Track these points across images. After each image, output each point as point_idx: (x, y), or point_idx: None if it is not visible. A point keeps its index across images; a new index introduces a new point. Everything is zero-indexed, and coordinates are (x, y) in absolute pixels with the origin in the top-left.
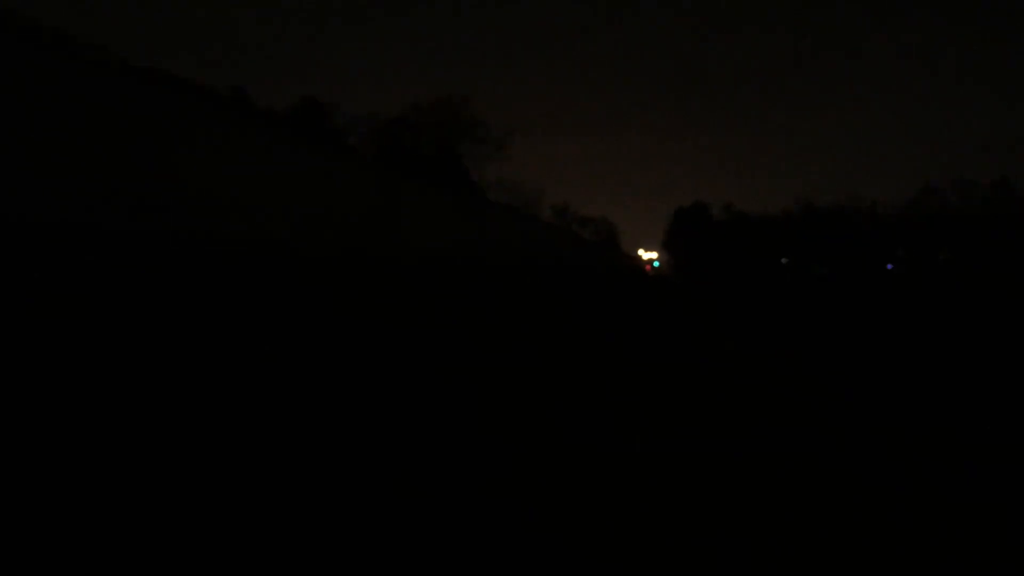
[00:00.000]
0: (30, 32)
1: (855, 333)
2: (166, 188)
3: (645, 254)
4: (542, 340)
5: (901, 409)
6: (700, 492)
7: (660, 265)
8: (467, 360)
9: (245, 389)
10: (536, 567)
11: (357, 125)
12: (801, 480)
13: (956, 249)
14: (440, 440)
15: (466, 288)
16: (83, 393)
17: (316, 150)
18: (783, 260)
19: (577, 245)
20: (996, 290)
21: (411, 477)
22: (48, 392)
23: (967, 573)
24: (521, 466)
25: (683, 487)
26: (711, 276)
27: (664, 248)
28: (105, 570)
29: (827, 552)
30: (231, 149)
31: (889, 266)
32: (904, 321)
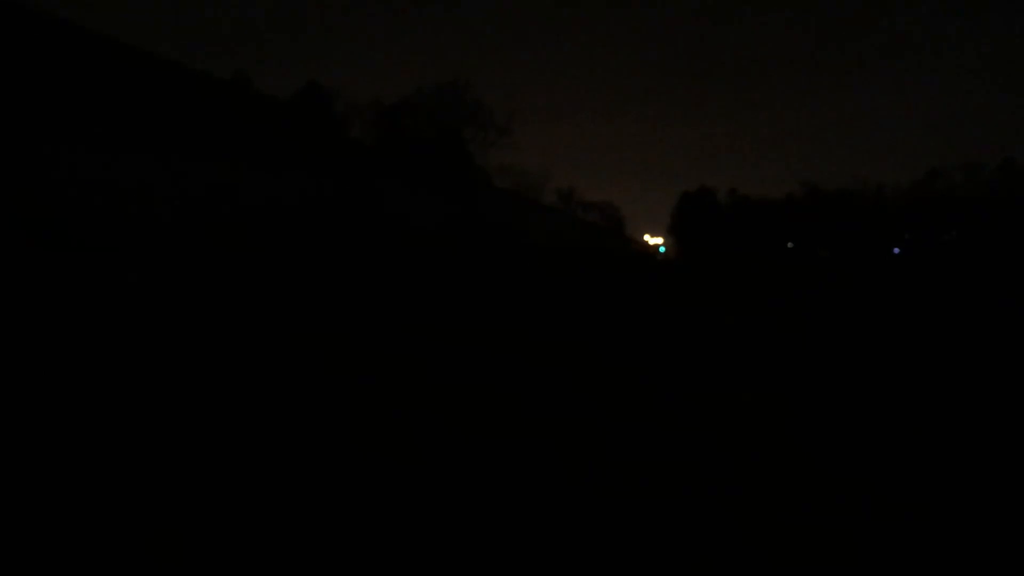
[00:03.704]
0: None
1: (864, 323)
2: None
3: (651, 239)
4: (546, 330)
5: (909, 409)
6: (702, 495)
7: (666, 250)
8: (467, 351)
9: (241, 381)
10: (534, 565)
11: (360, 111)
12: (803, 482)
13: (963, 232)
14: (436, 431)
15: (467, 273)
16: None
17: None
18: (789, 244)
19: (581, 230)
20: (1004, 273)
21: (409, 468)
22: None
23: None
24: (525, 460)
25: (686, 491)
26: (717, 261)
27: (670, 233)
28: (105, 569)
29: (828, 552)
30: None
31: (896, 250)
32: (914, 309)
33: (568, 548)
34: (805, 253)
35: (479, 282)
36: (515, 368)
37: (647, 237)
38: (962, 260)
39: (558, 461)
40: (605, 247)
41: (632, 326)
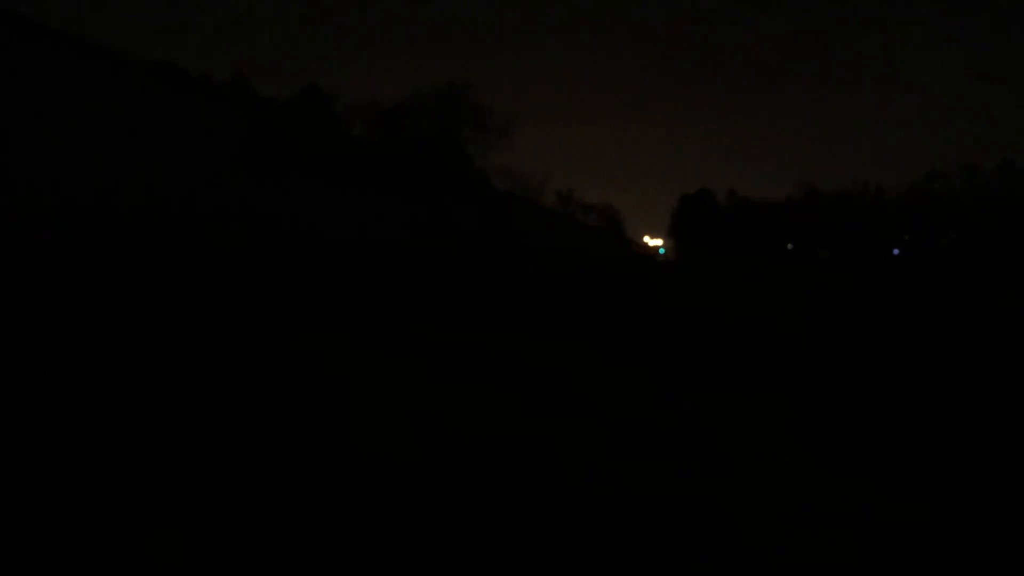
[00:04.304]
0: (29, 27)
1: (864, 324)
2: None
3: (651, 241)
4: (546, 330)
5: (909, 410)
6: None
7: (666, 252)
8: (467, 351)
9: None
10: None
11: (359, 113)
12: (803, 482)
13: (962, 233)
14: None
15: (469, 274)
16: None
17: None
18: (789, 246)
19: (581, 231)
20: (1004, 274)
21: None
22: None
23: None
24: (525, 459)
25: (686, 491)
26: (717, 263)
27: (670, 235)
28: (105, 570)
29: (828, 552)
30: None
31: (895, 251)
32: (913, 310)
33: (568, 548)
34: (805, 255)
35: (481, 283)
36: (516, 368)
37: (647, 239)
38: (962, 261)
39: (558, 460)
40: (605, 248)
41: (632, 326)
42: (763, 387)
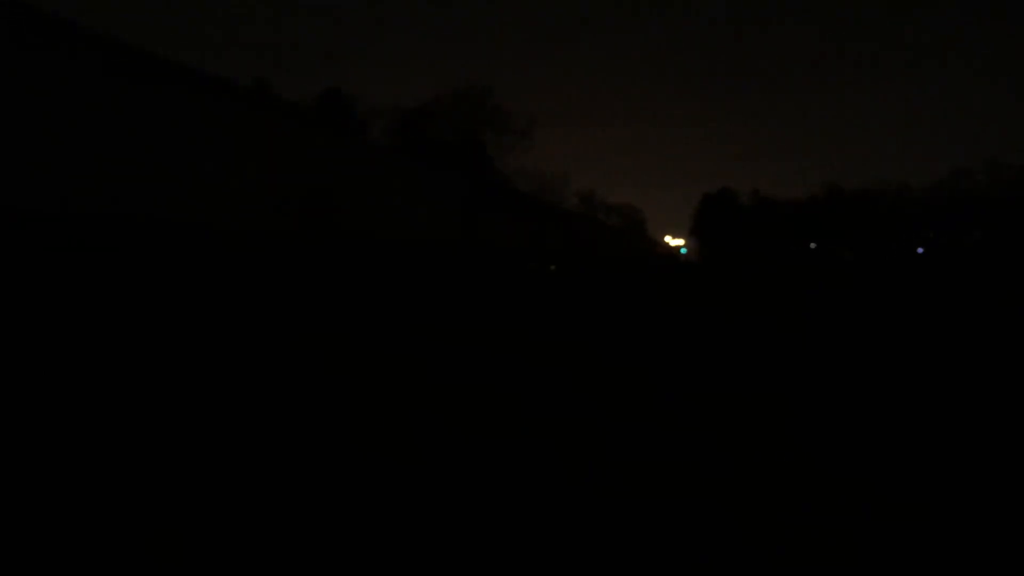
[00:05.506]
0: (54, 26)
1: (889, 325)
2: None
3: (672, 241)
4: (566, 330)
5: (932, 415)
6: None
7: (687, 251)
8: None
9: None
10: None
11: (380, 116)
12: (807, 484)
13: (988, 231)
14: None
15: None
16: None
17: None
18: (812, 245)
19: (602, 232)
20: None
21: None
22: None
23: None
24: (537, 466)
25: (690, 491)
26: (739, 262)
27: (692, 235)
28: (104, 569)
29: (828, 552)
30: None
31: (920, 250)
32: (939, 309)
33: (567, 548)
34: (828, 254)
35: (509, 284)
36: (535, 368)
37: (668, 239)
38: (988, 260)
39: (562, 460)
40: (627, 249)
41: (654, 327)
42: (780, 388)
